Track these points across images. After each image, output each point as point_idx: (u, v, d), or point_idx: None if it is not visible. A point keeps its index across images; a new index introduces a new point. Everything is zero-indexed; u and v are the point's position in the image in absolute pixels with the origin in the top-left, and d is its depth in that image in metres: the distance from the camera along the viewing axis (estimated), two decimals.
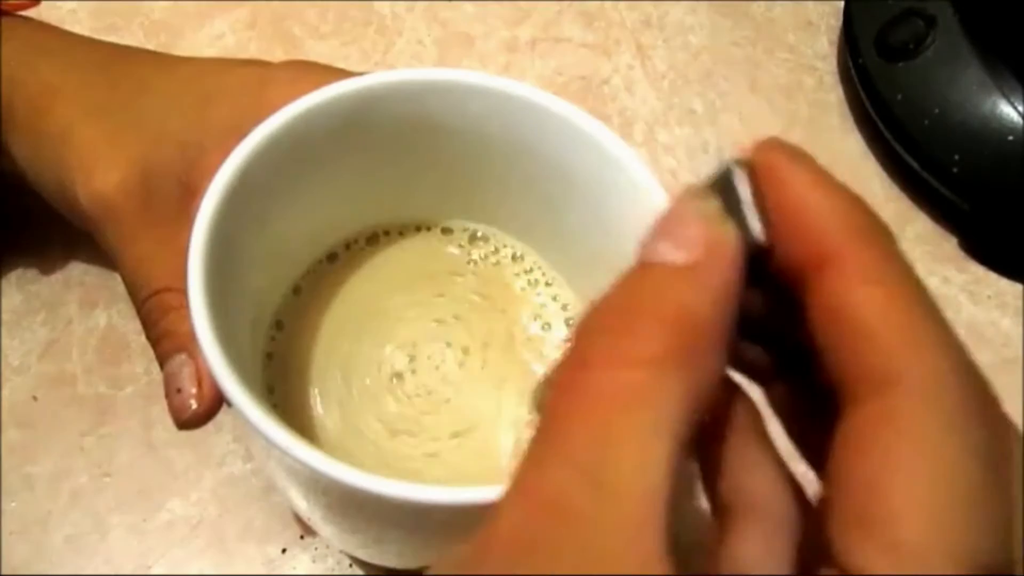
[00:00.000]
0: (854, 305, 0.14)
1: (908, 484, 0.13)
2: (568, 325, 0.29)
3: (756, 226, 0.15)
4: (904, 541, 0.13)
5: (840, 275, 0.14)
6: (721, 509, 0.16)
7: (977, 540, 0.13)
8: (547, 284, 0.29)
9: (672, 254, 0.15)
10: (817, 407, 0.15)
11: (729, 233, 0.15)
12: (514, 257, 0.30)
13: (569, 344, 0.15)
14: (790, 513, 0.15)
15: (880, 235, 0.15)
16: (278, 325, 0.27)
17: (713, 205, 0.15)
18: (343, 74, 0.27)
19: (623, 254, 0.25)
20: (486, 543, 0.13)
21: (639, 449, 0.13)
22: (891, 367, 0.14)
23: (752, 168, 0.15)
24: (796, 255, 0.15)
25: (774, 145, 0.15)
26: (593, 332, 0.14)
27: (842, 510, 0.13)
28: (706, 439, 0.16)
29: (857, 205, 0.15)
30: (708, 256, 0.14)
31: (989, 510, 0.13)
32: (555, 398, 0.14)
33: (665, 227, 0.15)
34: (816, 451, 0.15)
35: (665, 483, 0.13)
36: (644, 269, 0.15)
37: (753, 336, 0.17)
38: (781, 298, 0.16)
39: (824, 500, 0.14)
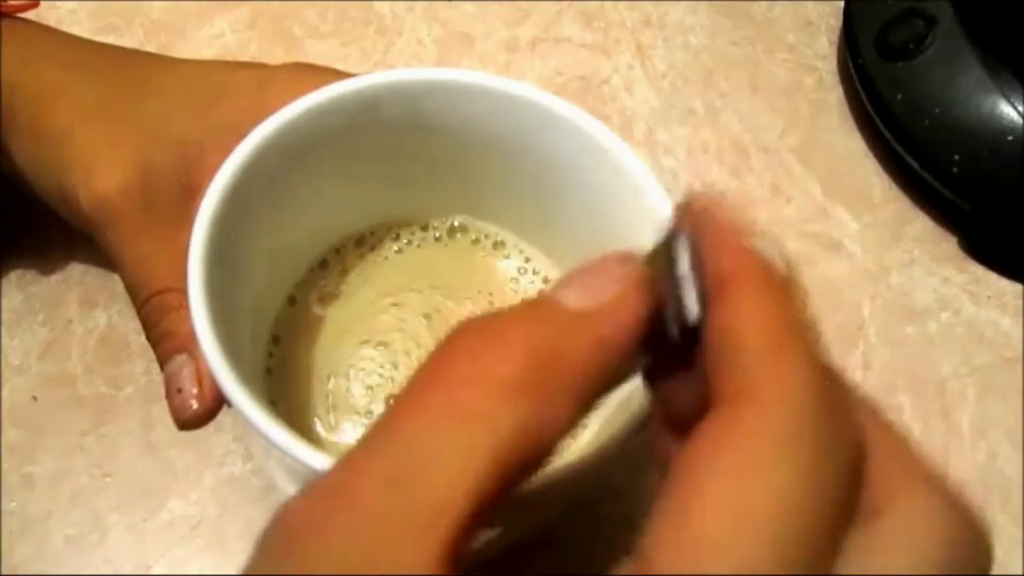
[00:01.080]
0: (731, 326, 0.14)
1: (723, 491, 0.13)
2: None
3: (692, 305, 0.15)
4: (698, 541, 0.13)
5: (728, 303, 0.14)
6: None
7: (769, 558, 0.13)
8: (526, 261, 0.29)
9: (572, 299, 0.15)
10: None
11: (637, 300, 0.15)
12: (496, 244, 0.30)
13: (447, 337, 0.15)
14: None
15: (770, 276, 0.15)
16: (275, 340, 0.27)
17: (633, 270, 0.15)
18: (342, 76, 0.27)
19: None
20: (282, 519, 0.13)
21: (450, 462, 0.13)
22: (747, 383, 0.14)
23: (694, 232, 0.15)
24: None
25: (702, 201, 0.16)
26: (463, 336, 0.15)
27: (660, 500, 0.13)
28: None
29: (755, 255, 0.15)
30: (606, 309, 0.15)
31: (797, 533, 0.13)
32: (406, 388, 0.14)
33: (579, 276, 0.15)
34: None
35: (466, 502, 0.13)
36: (540, 300, 0.15)
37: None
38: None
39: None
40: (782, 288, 0.15)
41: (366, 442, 0.14)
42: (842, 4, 0.45)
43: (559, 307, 0.15)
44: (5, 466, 0.32)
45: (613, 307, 0.15)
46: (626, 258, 0.15)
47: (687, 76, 0.45)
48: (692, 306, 0.15)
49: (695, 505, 0.13)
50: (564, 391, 0.14)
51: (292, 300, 0.28)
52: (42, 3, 0.33)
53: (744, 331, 0.14)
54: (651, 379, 0.16)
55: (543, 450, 0.14)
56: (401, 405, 0.14)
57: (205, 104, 0.29)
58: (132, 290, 0.28)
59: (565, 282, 0.15)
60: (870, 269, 0.40)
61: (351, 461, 0.14)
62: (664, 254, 0.15)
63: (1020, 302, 0.40)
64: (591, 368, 0.14)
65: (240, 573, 0.14)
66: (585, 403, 0.14)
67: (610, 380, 0.15)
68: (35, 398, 0.34)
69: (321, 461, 0.19)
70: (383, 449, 0.13)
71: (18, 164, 0.30)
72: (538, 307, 0.15)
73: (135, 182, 0.28)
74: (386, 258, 0.29)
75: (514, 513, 0.24)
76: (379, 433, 0.14)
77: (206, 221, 0.22)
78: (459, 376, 0.14)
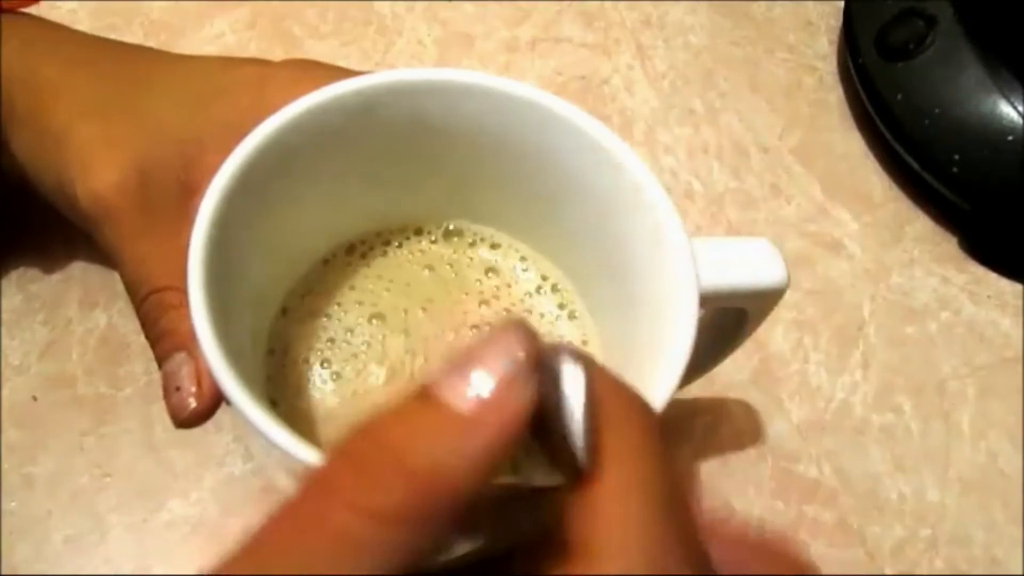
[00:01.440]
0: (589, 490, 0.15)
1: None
2: (562, 308, 0.29)
3: (581, 453, 0.15)
4: None
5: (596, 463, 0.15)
6: None
7: None
8: (521, 259, 0.29)
9: (457, 398, 0.15)
10: None
11: (521, 402, 0.15)
12: (492, 247, 0.30)
13: (336, 449, 0.15)
14: None
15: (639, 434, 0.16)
16: (273, 344, 0.27)
17: (523, 361, 0.15)
18: (345, 73, 0.27)
19: (623, 254, 0.25)
20: None
21: None
22: (591, 547, 0.15)
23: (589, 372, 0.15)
24: None
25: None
26: (349, 458, 0.15)
27: None
28: None
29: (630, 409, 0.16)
30: (488, 416, 0.15)
31: None
32: (297, 499, 0.15)
33: (464, 367, 0.15)
34: None
35: None
36: (425, 403, 0.15)
37: None
38: None
39: None
40: (647, 449, 0.15)
41: (256, 544, 0.14)
42: (842, 4, 0.45)
43: (441, 412, 0.15)
44: (5, 466, 0.32)
45: (495, 408, 0.15)
46: (513, 340, 0.15)
47: (687, 76, 0.45)
48: (579, 448, 0.15)
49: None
50: (444, 513, 0.14)
51: (284, 311, 0.28)
52: (42, 3, 0.33)
53: (600, 496, 0.15)
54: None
55: (427, 557, 0.14)
56: (292, 516, 0.15)
57: (205, 101, 0.29)
58: (131, 288, 0.28)
59: (450, 372, 0.15)
60: (870, 269, 0.40)
61: (240, 558, 0.14)
62: (554, 379, 0.15)
63: (1020, 302, 0.40)
64: (471, 480, 0.14)
65: None
66: (465, 511, 0.15)
67: (491, 477, 0.15)
68: (35, 398, 0.34)
69: (321, 461, 0.19)
70: (269, 559, 0.14)
71: (18, 160, 0.30)
72: (420, 414, 0.15)
73: (133, 180, 0.28)
74: (379, 263, 0.29)
75: (522, 513, 0.24)
76: (269, 538, 0.14)
77: (206, 220, 0.22)
78: (346, 503, 0.14)
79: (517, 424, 0.15)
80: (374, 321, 0.28)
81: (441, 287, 0.29)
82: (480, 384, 0.15)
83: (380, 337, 0.28)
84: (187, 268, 0.21)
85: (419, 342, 0.28)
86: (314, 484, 0.15)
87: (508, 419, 0.15)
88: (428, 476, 0.14)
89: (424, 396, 0.15)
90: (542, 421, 0.15)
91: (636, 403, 0.16)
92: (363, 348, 0.27)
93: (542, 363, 0.15)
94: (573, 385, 0.15)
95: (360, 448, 0.15)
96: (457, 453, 0.14)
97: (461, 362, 0.15)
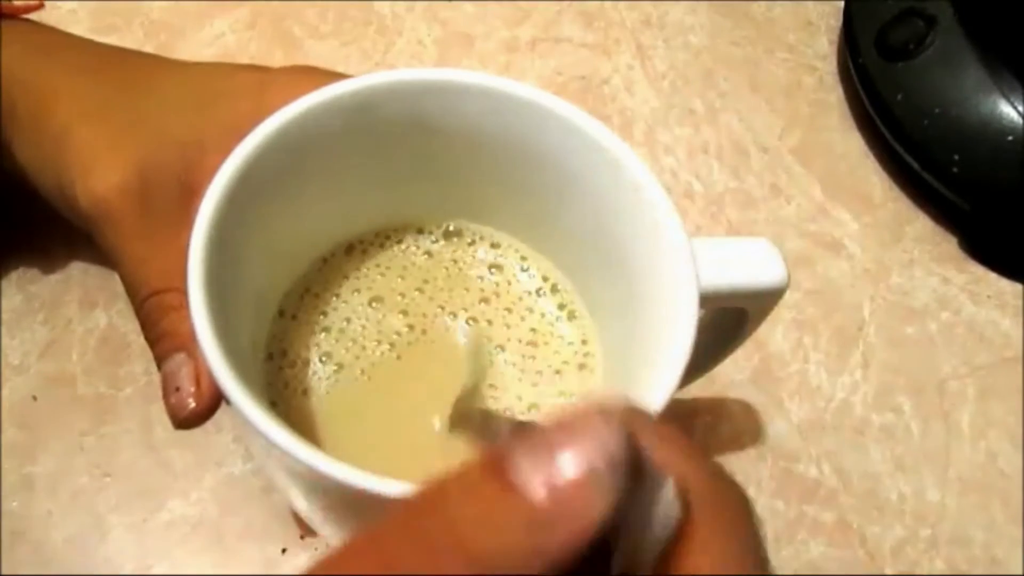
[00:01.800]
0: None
1: None
2: (562, 309, 0.29)
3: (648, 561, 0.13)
4: None
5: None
6: None
7: None
8: (522, 259, 0.29)
9: (532, 485, 0.13)
10: None
11: (600, 509, 0.13)
12: (493, 246, 0.30)
13: (395, 517, 0.14)
14: None
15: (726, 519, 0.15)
16: (271, 347, 0.27)
17: (615, 461, 0.13)
18: (343, 78, 0.27)
19: (622, 254, 0.25)
20: None
21: None
22: None
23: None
24: None
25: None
26: (409, 530, 0.13)
27: None
28: None
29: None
30: (562, 515, 0.13)
31: None
32: (340, 562, 0.14)
33: (555, 443, 0.13)
34: None
35: None
36: (497, 482, 0.13)
37: None
38: None
39: None
40: (734, 533, 0.14)
41: None
42: (842, 4, 0.45)
43: (513, 498, 0.13)
44: (5, 466, 0.32)
45: (571, 508, 0.13)
46: (612, 432, 0.13)
47: (687, 76, 0.45)
48: (648, 561, 0.14)
49: None
50: None
51: (282, 312, 0.28)
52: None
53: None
54: None
55: None
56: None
57: (206, 105, 0.29)
58: (131, 289, 0.28)
59: (530, 452, 0.13)
60: (870, 269, 0.40)
61: None
62: (646, 496, 0.13)
63: (1020, 302, 0.40)
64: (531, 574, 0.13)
65: None
66: None
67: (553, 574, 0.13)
68: (35, 398, 0.34)
69: (321, 461, 0.19)
70: None
71: (19, 161, 0.30)
72: (489, 494, 0.13)
73: (134, 182, 0.28)
74: (378, 257, 0.29)
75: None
76: None
77: (206, 221, 0.22)
78: None
79: (591, 531, 0.13)
80: (373, 304, 0.28)
81: (440, 272, 0.29)
82: (560, 475, 0.13)
83: (378, 319, 0.28)
84: (187, 268, 0.21)
85: (418, 319, 0.28)
86: (369, 549, 0.13)
87: (583, 525, 0.13)
88: (488, 566, 0.13)
89: (496, 472, 0.13)
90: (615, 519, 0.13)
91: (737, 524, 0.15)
92: (360, 331, 0.27)
93: (637, 469, 0.13)
94: (664, 512, 0.13)
95: (421, 521, 0.13)
96: (523, 548, 0.13)
97: (544, 442, 0.13)
